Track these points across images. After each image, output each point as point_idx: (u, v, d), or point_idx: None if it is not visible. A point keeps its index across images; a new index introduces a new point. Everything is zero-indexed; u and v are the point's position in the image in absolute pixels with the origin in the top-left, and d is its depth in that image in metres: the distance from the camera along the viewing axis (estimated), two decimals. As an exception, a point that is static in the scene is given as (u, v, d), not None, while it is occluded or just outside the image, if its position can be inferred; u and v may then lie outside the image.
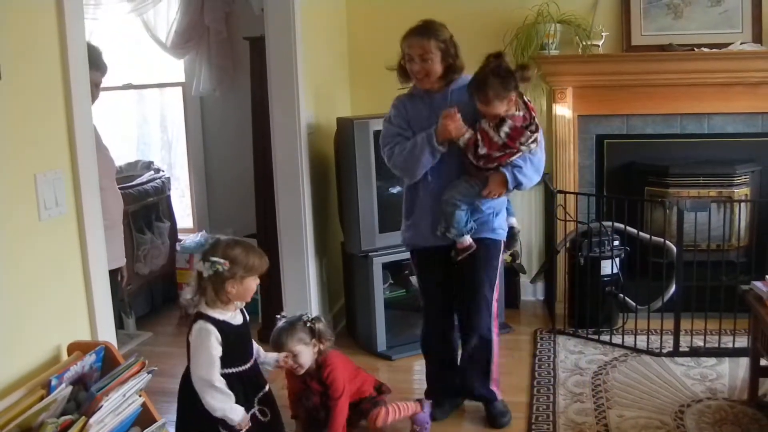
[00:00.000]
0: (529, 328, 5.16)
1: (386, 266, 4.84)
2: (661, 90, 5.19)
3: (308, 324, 3.56)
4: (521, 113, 3.48)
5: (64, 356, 2.69)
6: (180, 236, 6.22)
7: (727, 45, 5.05)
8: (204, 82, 6.24)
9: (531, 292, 5.74)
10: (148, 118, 7.26)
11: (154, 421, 2.73)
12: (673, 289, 4.68)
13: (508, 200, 3.89)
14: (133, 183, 5.71)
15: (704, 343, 4.58)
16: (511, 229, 3.94)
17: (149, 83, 6.96)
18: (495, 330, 3.84)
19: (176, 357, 4.93)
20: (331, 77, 5.40)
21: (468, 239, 3.64)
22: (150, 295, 5.87)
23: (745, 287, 3.92)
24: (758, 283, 3.81)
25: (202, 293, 2.92)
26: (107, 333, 2.94)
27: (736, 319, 4.45)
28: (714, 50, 5.02)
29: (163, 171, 6.26)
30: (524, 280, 5.64)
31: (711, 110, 5.21)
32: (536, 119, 3.52)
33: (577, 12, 5.22)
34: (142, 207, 5.63)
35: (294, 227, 4.71)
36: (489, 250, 3.73)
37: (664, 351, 4.58)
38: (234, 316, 3.00)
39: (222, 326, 2.91)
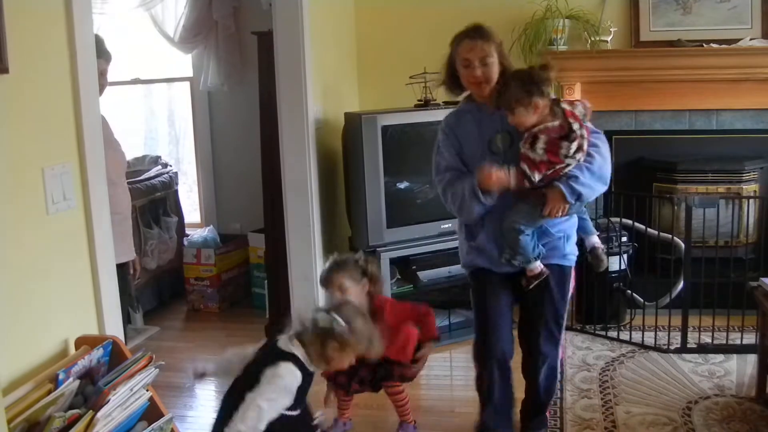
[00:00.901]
0: (536, 324, 5.15)
1: (394, 261, 4.84)
2: (669, 86, 5.18)
3: (360, 263, 3.51)
4: (557, 123, 3.08)
5: (72, 350, 2.70)
6: (187, 231, 6.23)
7: (736, 41, 5.03)
8: (212, 77, 6.24)
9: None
10: (155, 112, 7.27)
11: (162, 415, 2.74)
12: (681, 285, 4.67)
13: (586, 218, 3.59)
14: (141, 178, 5.71)
15: (712, 340, 4.57)
16: (593, 249, 3.65)
17: (157, 78, 6.96)
18: (561, 359, 3.58)
19: (184, 351, 4.96)
20: (339, 72, 5.39)
21: (538, 265, 3.27)
22: (157, 290, 5.89)
23: (754, 284, 3.92)
24: (766, 280, 3.80)
25: (309, 341, 2.76)
26: (115, 327, 2.95)
27: (744, 315, 4.43)
28: (723, 46, 5.00)
29: (170, 166, 6.27)
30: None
31: (720, 106, 5.20)
32: (578, 125, 3.09)
33: (585, 7, 5.21)
34: (150, 202, 5.64)
35: (301, 222, 4.70)
36: (559, 277, 3.35)
37: (672, 347, 4.57)
38: (313, 367, 2.81)
39: (304, 369, 2.75)
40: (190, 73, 6.59)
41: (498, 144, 3.23)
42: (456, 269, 5.01)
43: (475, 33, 3.27)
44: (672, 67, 5.09)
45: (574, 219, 3.38)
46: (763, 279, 3.84)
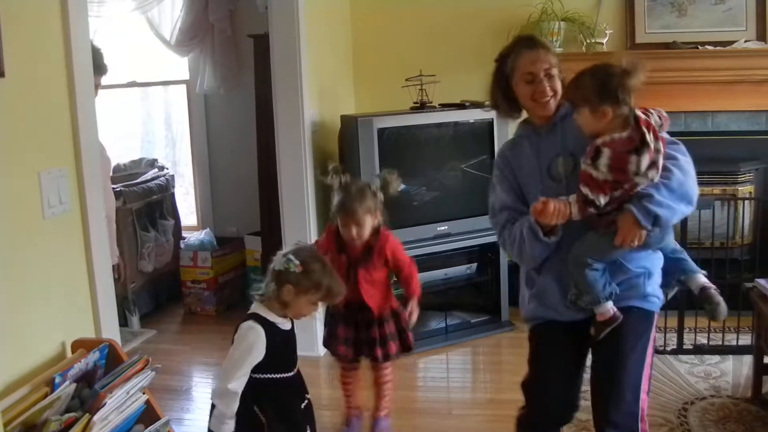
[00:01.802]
0: (532, 325, 5.15)
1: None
2: (665, 88, 5.16)
3: (377, 193, 3.49)
4: (625, 134, 2.59)
5: (68, 354, 2.70)
6: (184, 234, 6.23)
7: (731, 43, 5.04)
8: (208, 80, 6.24)
9: (535, 289, 5.71)
10: (152, 115, 7.27)
11: (158, 418, 2.74)
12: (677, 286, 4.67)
13: (683, 256, 2.98)
14: (138, 181, 5.71)
15: (708, 341, 4.58)
16: (703, 289, 2.90)
17: (153, 81, 6.96)
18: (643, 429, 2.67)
19: (180, 354, 4.96)
20: (335, 75, 5.40)
21: (610, 307, 2.69)
22: (154, 293, 5.88)
23: (749, 285, 3.93)
24: (762, 281, 3.81)
25: (265, 287, 2.77)
26: (111, 330, 2.95)
27: (739, 316, 4.43)
28: (718, 48, 5.01)
29: (167, 168, 6.27)
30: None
31: (715, 108, 5.21)
32: (653, 136, 2.63)
33: (581, 10, 5.22)
34: (146, 204, 5.64)
35: (298, 225, 4.71)
36: (638, 323, 2.73)
37: (668, 349, 4.57)
38: (284, 321, 2.80)
39: (272, 329, 2.73)
40: (186, 76, 6.59)
41: (559, 169, 2.77)
42: (452, 271, 5.04)
43: (535, 43, 2.91)
44: (667, 69, 5.09)
45: (659, 253, 2.85)
46: (758, 280, 3.85)
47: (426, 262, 4.95)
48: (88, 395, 2.50)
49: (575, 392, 2.82)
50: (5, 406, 2.28)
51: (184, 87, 6.69)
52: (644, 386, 2.67)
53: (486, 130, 4.94)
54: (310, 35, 4.66)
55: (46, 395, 2.38)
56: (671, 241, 2.85)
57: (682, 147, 2.79)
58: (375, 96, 5.52)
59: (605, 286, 2.68)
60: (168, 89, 7.07)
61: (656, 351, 4.47)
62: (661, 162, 2.61)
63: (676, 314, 4.55)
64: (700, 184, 4.91)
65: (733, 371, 4.27)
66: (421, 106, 4.93)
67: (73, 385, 2.48)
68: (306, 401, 2.90)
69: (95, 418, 2.39)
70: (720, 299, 2.84)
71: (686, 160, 2.73)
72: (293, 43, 4.55)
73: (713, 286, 2.90)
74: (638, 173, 2.55)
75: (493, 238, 4.93)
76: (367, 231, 3.42)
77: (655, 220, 2.54)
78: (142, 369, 2.69)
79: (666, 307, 4.61)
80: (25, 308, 2.53)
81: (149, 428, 2.67)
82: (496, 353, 4.84)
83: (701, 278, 2.94)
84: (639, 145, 2.56)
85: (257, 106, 5.05)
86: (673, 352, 4.53)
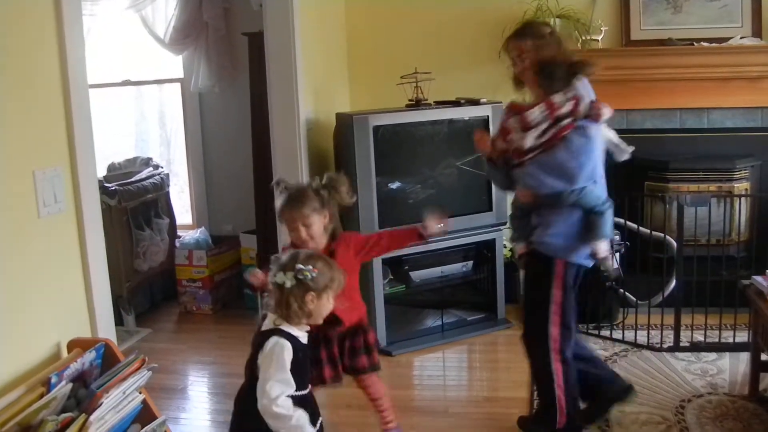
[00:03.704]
0: (529, 323, 5.15)
1: (386, 262, 4.83)
2: (660, 85, 5.19)
3: (320, 190, 3.26)
4: (526, 103, 3.29)
5: (64, 353, 2.69)
6: (179, 233, 6.21)
7: (726, 39, 5.04)
8: (203, 78, 6.22)
9: (531, 287, 5.72)
10: (146, 114, 7.25)
11: (155, 418, 2.73)
12: (673, 284, 4.67)
13: (599, 218, 3.36)
14: (132, 179, 5.69)
15: (705, 338, 4.58)
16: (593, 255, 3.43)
17: (147, 79, 6.94)
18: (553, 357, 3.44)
19: (176, 353, 4.95)
20: (330, 72, 5.39)
21: (520, 247, 3.48)
22: (149, 292, 5.87)
23: (746, 282, 3.92)
24: (758, 278, 3.80)
25: (284, 308, 2.66)
26: (107, 330, 2.94)
27: (736, 313, 4.44)
28: (713, 45, 5.02)
29: (161, 167, 6.25)
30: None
31: (710, 105, 5.21)
32: (547, 115, 3.20)
33: (576, 6, 5.22)
34: (141, 203, 5.62)
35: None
36: (537, 263, 3.44)
37: (665, 346, 4.57)
38: (304, 335, 2.74)
39: (295, 343, 2.66)
40: (180, 75, 6.57)
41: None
42: (448, 269, 5.04)
43: (514, 33, 3.46)
44: (663, 66, 5.10)
45: (564, 213, 3.32)
46: (754, 277, 3.85)
47: (422, 260, 4.95)
48: (84, 395, 2.49)
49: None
50: (1, 407, 2.28)
51: (178, 85, 6.68)
52: (553, 318, 3.38)
53: (481, 127, 4.93)
54: (304, 33, 4.65)
55: (42, 395, 2.38)
56: (590, 202, 3.31)
57: (588, 131, 3.23)
58: (370, 94, 5.51)
59: (515, 230, 3.52)
60: (162, 88, 7.05)
61: (653, 348, 4.51)
62: (534, 134, 3.21)
63: (672, 312, 4.56)
64: (696, 181, 5.01)
65: (730, 368, 4.27)
66: (417, 104, 4.92)
67: (70, 385, 2.47)
68: (319, 422, 2.82)
69: (92, 418, 2.39)
70: (610, 268, 3.75)
71: (579, 143, 3.21)
72: (288, 41, 4.54)
73: (604, 257, 3.43)
74: (512, 133, 3.26)
75: (489, 236, 4.97)
76: (317, 230, 3.22)
77: (529, 186, 3.30)
78: (139, 369, 2.68)
79: (663, 304, 4.68)
80: (21, 308, 2.52)
81: (146, 428, 2.67)
82: (493, 351, 4.83)
83: (600, 245, 3.39)
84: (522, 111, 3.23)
85: (252, 105, 5.04)
86: (670, 350, 4.53)
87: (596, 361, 3.80)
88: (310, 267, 2.66)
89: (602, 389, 3.68)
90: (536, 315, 3.44)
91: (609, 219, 3.37)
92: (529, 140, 3.23)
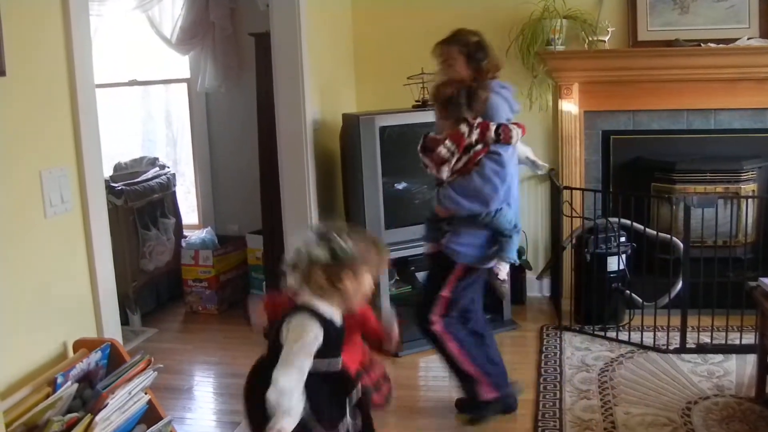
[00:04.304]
0: (535, 324, 5.15)
1: (392, 263, 4.83)
2: (667, 85, 5.18)
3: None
4: (439, 137, 3.54)
5: (70, 353, 2.69)
6: (185, 232, 6.22)
7: (733, 40, 5.03)
8: (209, 78, 6.23)
9: (537, 288, 5.72)
10: (153, 114, 7.27)
11: (160, 418, 2.73)
12: (679, 285, 4.66)
13: (504, 241, 3.66)
14: (139, 179, 5.70)
15: (711, 340, 4.56)
16: (492, 275, 3.78)
17: (154, 79, 6.96)
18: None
19: (182, 353, 4.95)
20: (337, 73, 5.39)
21: (431, 245, 3.84)
22: (155, 292, 5.87)
23: (753, 283, 3.91)
24: (765, 280, 3.80)
25: (310, 281, 2.44)
26: (113, 330, 2.94)
27: (743, 315, 4.42)
28: (721, 45, 5.00)
29: (168, 167, 6.26)
30: (530, 276, 5.63)
31: (718, 106, 5.20)
32: (453, 149, 3.47)
33: (582, 7, 5.21)
34: (148, 203, 5.63)
35: (299, 223, 4.69)
36: (439, 263, 3.79)
37: (671, 348, 4.56)
38: (337, 314, 2.51)
39: (327, 324, 2.43)
40: (187, 75, 6.58)
41: None
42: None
43: (443, 39, 3.77)
44: (670, 67, 5.09)
45: (474, 227, 3.62)
46: (761, 279, 3.84)
47: (428, 261, 4.95)
48: (90, 395, 2.49)
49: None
50: (7, 407, 2.28)
51: (185, 85, 6.68)
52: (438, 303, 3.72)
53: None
54: (311, 33, 4.65)
55: (48, 395, 2.38)
56: (501, 225, 3.61)
57: (500, 158, 3.51)
58: (377, 94, 5.51)
59: (428, 231, 3.80)
60: (169, 88, 7.06)
61: (659, 350, 4.50)
62: (447, 167, 3.50)
63: (679, 313, 4.55)
64: (703, 182, 4.99)
65: (736, 370, 4.26)
66: (423, 105, 4.91)
67: (75, 385, 2.47)
68: (355, 395, 2.60)
69: (97, 418, 2.39)
70: (501, 288, 3.78)
71: (492, 168, 3.50)
72: (294, 41, 4.54)
73: (501, 277, 3.73)
74: (428, 166, 3.57)
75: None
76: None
77: (446, 208, 3.58)
78: (144, 369, 2.68)
79: (669, 305, 4.67)
80: (27, 308, 2.52)
81: (151, 428, 2.67)
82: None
83: (501, 265, 3.72)
84: (434, 148, 3.49)
85: (258, 105, 5.03)
86: (676, 351, 4.52)
87: (498, 364, 3.95)
88: (350, 243, 2.44)
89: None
90: (427, 306, 3.77)
91: (515, 243, 3.70)
92: (445, 173, 3.53)
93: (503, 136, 3.50)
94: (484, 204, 3.54)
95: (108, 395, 2.47)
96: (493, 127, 3.49)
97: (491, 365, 3.87)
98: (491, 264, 3.72)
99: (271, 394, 2.30)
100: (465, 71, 3.65)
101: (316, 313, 2.42)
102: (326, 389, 2.47)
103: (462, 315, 3.85)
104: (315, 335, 2.38)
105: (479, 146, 3.49)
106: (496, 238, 3.67)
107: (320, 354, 2.41)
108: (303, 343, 2.36)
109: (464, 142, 3.47)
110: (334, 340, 2.46)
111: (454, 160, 3.49)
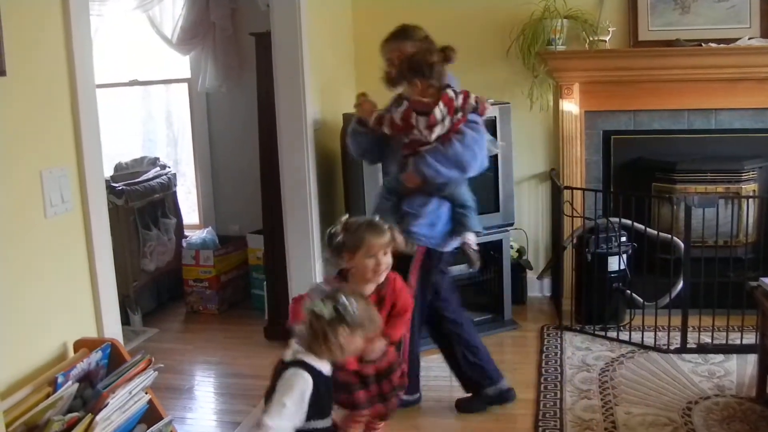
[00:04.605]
0: (535, 324, 5.15)
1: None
2: (668, 85, 5.17)
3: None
4: (426, 100, 3.54)
5: (71, 353, 2.69)
6: (186, 233, 6.22)
7: (734, 40, 5.02)
8: (210, 78, 6.23)
9: (538, 288, 5.72)
10: (153, 114, 7.27)
11: (161, 418, 2.73)
12: (680, 285, 4.66)
13: (465, 212, 3.72)
14: (139, 179, 5.70)
15: (712, 340, 4.56)
16: (464, 244, 3.76)
17: (155, 79, 6.96)
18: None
19: (182, 353, 4.96)
20: (337, 73, 5.39)
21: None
22: (156, 292, 5.88)
23: (753, 283, 3.91)
24: (766, 280, 3.80)
25: (313, 338, 2.57)
26: (113, 330, 2.94)
27: (744, 315, 4.42)
28: (721, 45, 5.00)
29: (169, 167, 6.26)
30: (531, 276, 5.63)
31: (718, 106, 5.19)
32: (446, 110, 3.52)
33: (583, 7, 5.20)
34: (149, 203, 5.63)
35: (300, 223, 4.70)
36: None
37: (672, 347, 4.56)
38: (326, 367, 2.64)
39: (318, 378, 2.57)
40: (188, 75, 6.58)
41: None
42: (455, 270, 5.02)
43: (392, 35, 3.87)
44: (670, 67, 5.09)
45: (435, 205, 3.66)
46: (762, 279, 3.84)
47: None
48: (90, 395, 2.49)
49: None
50: (8, 406, 2.28)
51: (185, 85, 6.69)
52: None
53: (489, 128, 4.92)
54: (311, 33, 4.65)
55: (48, 395, 2.38)
56: (461, 197, 3.69)
57: (478, 126, 3.63)
58: (377, 94, 5.48)
59: (382, 212, 3.58)
60: (169, 88, 7.06)
61: (659, 350, 4.50)
62: (439, 129, 3.54)
63: (679, 313, 4.54)
64: (704, 182, 5.00)
65: (737, 370, 4.25)
66: (423, 104, 4.90)
67: (76, 385, 2.47)
68: None
69: (98, 418, 2.39)
70: (475, 257, 3.75)
71: (472, 136, 3.58)
72: (295, 41, 4.54)
73: (472, 245, 3.74)
74: (417, 128, 3.53)
75: (495, 237, 4.96)
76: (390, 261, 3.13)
77: (423, 175, 3.56)
78: (145, 369, 2.68)
79: (670, 305, 4.67)
80: (27, 308, 2.52)
81: (152, 428, 2.66)
82: (499, 352, 4.82)
83: (469, 236, 3.73)
84: (427, 110, 3.50)
85: (259, 105, 5.03)
86: (677, 351, 4.52)
87: (482, 354, 4.00)
88: (353, 302, 2.58)
89: (484, 386, 3.97)
90: None
91: (475, 213, 3.76)
92: (434, 135, 3.55)
93: (479, 107, 3.61)
94: (463, 171, 3.60)
95: (108, 395, 2.46)
96: (472, 96, 3.60)
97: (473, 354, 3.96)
98: (453, 245, 3.76)
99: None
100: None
101: (307, 365, 2.57)
102: None
103: (435, 304, 3.90)
104: (307, 386, 2.54)
105: (460, 114, 3.56)
106: (456, 214, 3.71)
107: (315, 414, 2.58)
108: (291, 395, 2.51)
109: (453, 105, 3.54)
110: (323, 393, 2.60)
111: (445, 123, 3.54)
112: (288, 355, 2.61)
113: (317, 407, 2.58)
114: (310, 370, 2.55)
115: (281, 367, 2.60)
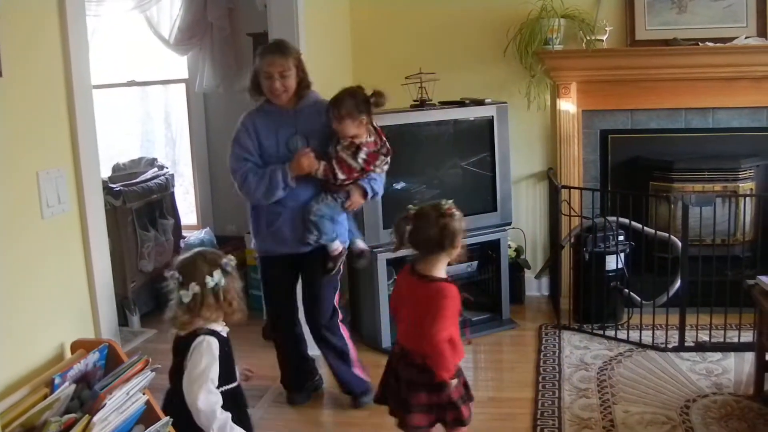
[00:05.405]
0: (533, 323, 5.15)
1: (390, 262, 4.82)
2: (665, 84, 5.18)
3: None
4: (372, 138, 3.77)
5: (68, 354, 2.69)
6: (184, 233, 6.21)
7: (731, 39, 5.03)
8: (207, 79, 6.23)
9: (536, 287, 5.72)
10: (151, 114, 7.27)
11: (158, 419, 2.73)
12: (678, 284, 4.66)
13: (351, 223, 4.08)
14: (137, 180, 5.70)
15: (709, 338, 4.57)
16: (362, 252, 4.10)
17: (152, 80, 6.96)
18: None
19: (181, 354, 4.93)
20: (335, 73, 5.38)
21: (338, 244, 3.87)
22: (154, 292, 5.86)
23: (751, 282, 3.92)
24: (764, 278, 3.80)
25: (197, 311, 2.74)
26: (111, 331, 2.94)
27: (741, 313, 4.43)
28: (718, 45, 5.00)
29: (166, 168, 6.26)
30: (529, 275, 5.63)
31: (715, 105, 5.20)
32: (386, 143, 3.82)
33: (580, 7, 5.21)
34: (146, 204, 5.62)
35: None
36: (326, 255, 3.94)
37: (670, 346, 4.56)
38: (223, 328, 2.84)
39: (221, 339, 2.77)
40: (185, 75, 6.59)
41: (296, 143, 3.79)
42: (453, 269, 5.01)
43: (275, 48, 3.78)
44: (667, 66, 5.09)
45: (344, 215, 3.95)
46: (760, 277, 3.84)
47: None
48: (87, 396, 2.49)
49: (294, 302, 4.12)
50: (4, 408, 2.28)
51: (183, 86, 6.69)
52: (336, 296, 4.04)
53: (486, 127, 4.93)
54: (309, 33, 4.65)
55: (45, 396, 2.38)
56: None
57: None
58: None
59: (332, 231, 3.83)
60: (167, 88, 7.07)
61: (657, 348, 4.50)
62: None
63: (677, 312, 4.55)
64: (701, 181, 5.01)
65: (735, 368, 4.26)
66: (421, 104, 4.91)
67: (73, 386, 2.47)
68: (250, 416, 2.97)
69: (95, 419, 2.39)
70: (364, 262, 4.13)
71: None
72: (292, 41, 4.52)
73: (366, 248, 4.12)
74: (378, 166, 3.81)
75: (493, 236, 4.96)
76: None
77: (374, 195, 3.90)
78: (142, 369, 2.68)
79: (667, 304, 4.67)
80: (24, 309, 2.52)
81: (149, 429, 2.66)
82: (497, 351, 4.83)
83: (358, 242, 4.09)
84: (381, 146, 3.79)
85: (257, 105, 5.03)
86: (675, 350, 4.52)
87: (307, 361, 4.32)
88: (231, 257, 2.80)
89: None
90: (328, 312, 4.09)
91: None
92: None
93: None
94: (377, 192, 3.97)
95: (106, 396, 2.46)
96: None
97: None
98: (342, 243, 3.95)
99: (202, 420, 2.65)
100: (294, 83, 3.79)
101: (213, 331, 2.77)
102: (232, 407, 2.76)
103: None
104: (216, 349, 2.73)
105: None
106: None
107: (225, 377, 2.76)
108: (208, 361, 2.70)
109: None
110: (227, 353, 2.82)
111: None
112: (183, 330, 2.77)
113: (223, 369, 2.74)
114: (212, 334, 2.75)
115: (184, 340, 2.77)
